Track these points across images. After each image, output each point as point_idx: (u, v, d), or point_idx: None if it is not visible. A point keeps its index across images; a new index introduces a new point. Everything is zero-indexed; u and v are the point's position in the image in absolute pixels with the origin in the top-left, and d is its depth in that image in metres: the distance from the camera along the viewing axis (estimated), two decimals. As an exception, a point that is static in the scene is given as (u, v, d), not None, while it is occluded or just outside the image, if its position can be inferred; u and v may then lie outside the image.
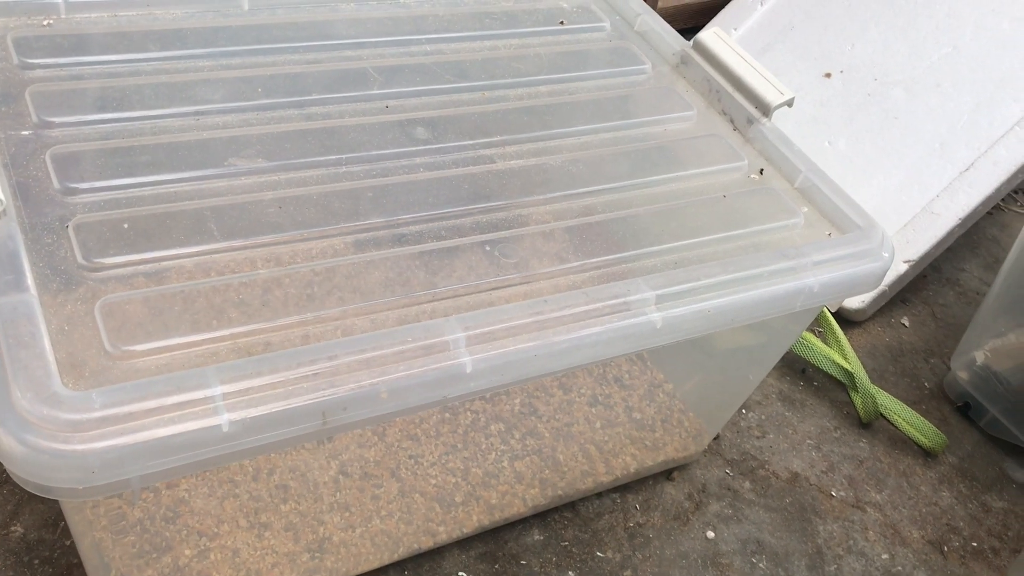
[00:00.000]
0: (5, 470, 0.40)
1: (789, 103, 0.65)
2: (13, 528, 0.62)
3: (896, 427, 0.84)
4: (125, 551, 0.55)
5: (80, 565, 0.60)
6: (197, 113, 0.55)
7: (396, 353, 0.45)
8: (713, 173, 0.63)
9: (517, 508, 0.68)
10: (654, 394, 0.73)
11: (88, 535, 0.53)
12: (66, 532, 0.62)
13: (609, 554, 0.69)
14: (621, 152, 0.63)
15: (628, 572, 0.68)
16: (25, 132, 0.51)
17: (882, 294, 0.91)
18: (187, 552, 0.57)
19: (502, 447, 0.67)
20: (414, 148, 0.57)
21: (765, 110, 0.65)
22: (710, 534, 0.72)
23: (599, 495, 0.73)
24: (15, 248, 0.44)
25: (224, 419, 0.40)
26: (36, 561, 0.61)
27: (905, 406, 0.83)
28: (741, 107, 0.66)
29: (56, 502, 0.61)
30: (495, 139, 0.60)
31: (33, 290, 0.42)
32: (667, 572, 0.69)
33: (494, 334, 0.47)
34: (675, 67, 0.71)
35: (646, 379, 0.73)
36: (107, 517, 0.53)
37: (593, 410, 0.70)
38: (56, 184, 0.49)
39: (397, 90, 0.61)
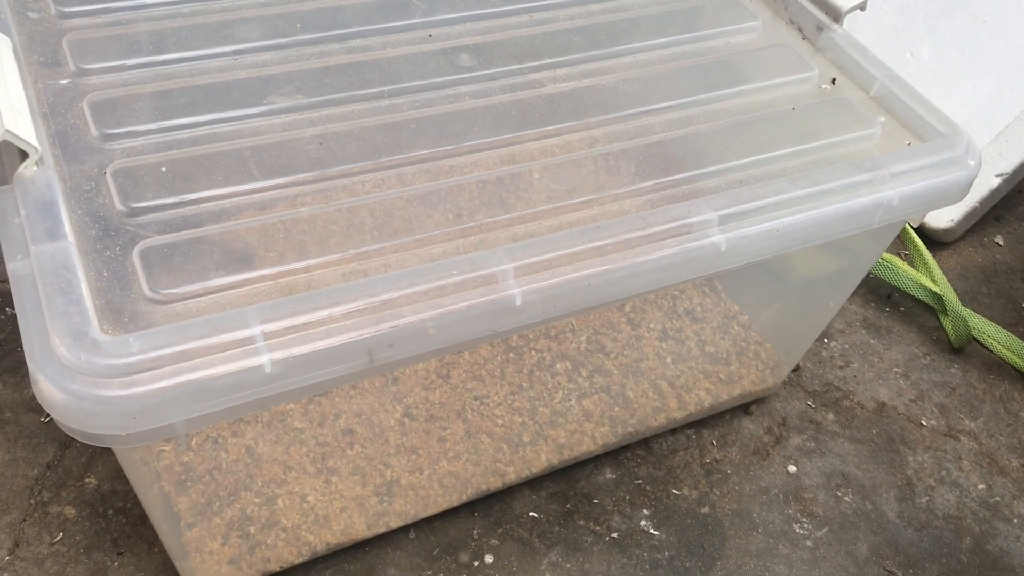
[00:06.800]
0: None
1: (861, 6, 0.60)
2: (87, 480, 0.63)
3: (991, 351, 0.79)
4: (194, 500, 0.55)
5: (153, 514, 0.61)
6: (235, 52, 0.54)
7: (442, 287, 0.43)
8: (781, 85, 0.59)
9: (587, 446, 0.66)
10: (728, 326, 0.70)
11: (155, 486, 0.53)
12: (139, 483, 0.63)
13: (685, 491, 0.67)
14: (680, 69, 0.59)
15: (705, 509, 0.66)
16: (63, 81, 0.51)
17: (972, 211, 0.86)
18: (255, 500, 0.57)
19: (569, 385, 0.64)
20: (459, 76, 0.55)
21: (835, 15, 0.61)
22: (792, 468, 0.69)
23: (673, 432, 0.71)
24: (52, 197, 0.43)
25: (266, 359, 0.39)
26: (110, 511, 0.61)
27: (1000, 328, 0.78)
28: (809, 14, 0.62)
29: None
30: (544, 62, 0.57)
31: (71, 237, 0.42)
32: (747, 508, 0.66)
33: (544, 264, 0.44)
34: (737, -23, 0.66)
35: (719, 311, 0.70)
36: (173, 468, 0.53)
37: (663, 345, 0.67)
38: (94, 131, 0.48)
39: (440, 17, 0.58)
